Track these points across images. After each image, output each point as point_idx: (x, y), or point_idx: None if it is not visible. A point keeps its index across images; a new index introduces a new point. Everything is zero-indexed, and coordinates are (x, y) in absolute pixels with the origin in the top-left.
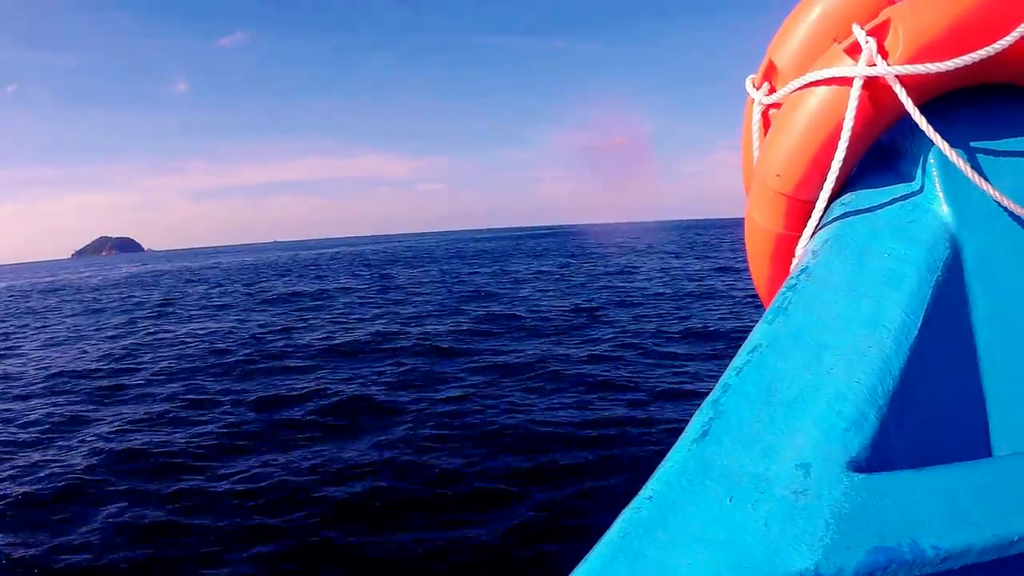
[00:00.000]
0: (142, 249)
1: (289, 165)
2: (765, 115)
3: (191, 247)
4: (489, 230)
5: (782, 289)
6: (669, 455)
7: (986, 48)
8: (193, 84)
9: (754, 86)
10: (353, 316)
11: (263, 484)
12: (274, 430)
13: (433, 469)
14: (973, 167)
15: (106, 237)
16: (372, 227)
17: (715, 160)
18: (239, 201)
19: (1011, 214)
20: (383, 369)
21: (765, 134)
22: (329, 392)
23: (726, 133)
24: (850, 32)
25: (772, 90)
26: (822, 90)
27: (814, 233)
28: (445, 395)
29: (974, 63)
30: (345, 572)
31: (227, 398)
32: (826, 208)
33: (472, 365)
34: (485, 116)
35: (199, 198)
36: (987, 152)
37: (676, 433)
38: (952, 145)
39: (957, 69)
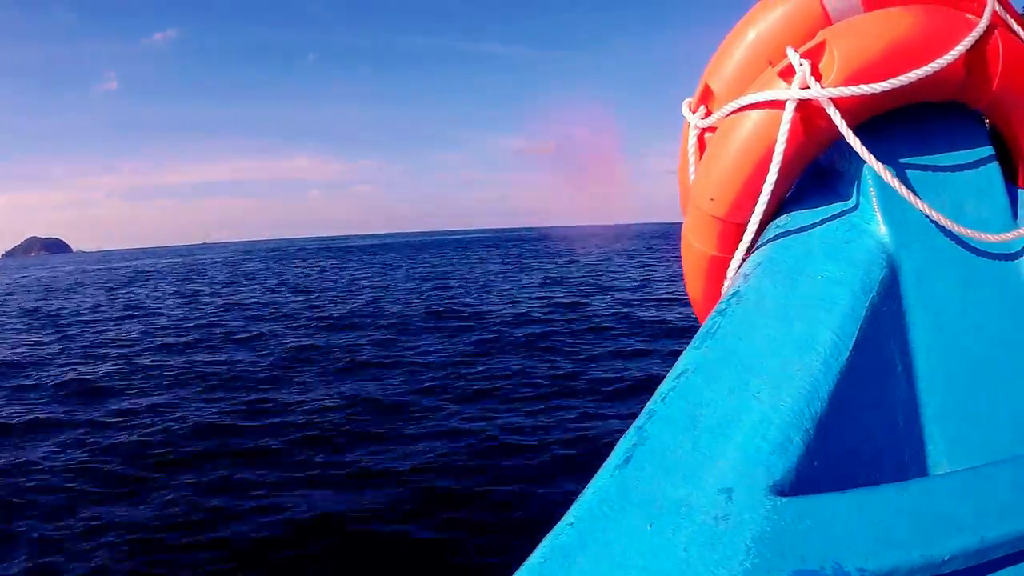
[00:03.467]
0: (70, 250)
1: (221, 166)
2: (701, 139)
3: (122, 248)
4: (420, 233)
5: (712, 314)
6: (592, 482)
7: (923, 68)
8: (124, 82)
9: (690, 109)
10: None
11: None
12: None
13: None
14: (909, 186)
15: (35, 238)
16: (303, 230)
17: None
18: (171, 201)
19: (949, 231)
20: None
21: (701, 157)
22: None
23: (657, 138)
24: (785, 55)
25: (708, 113)
26: (755, 114)
27: (747, 256)
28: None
29: (912, 83)
30: None
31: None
32: (761, 230)
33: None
34: (416, 118)
35: (131, 198)
36: (926, 169)
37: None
38: (888, 164)
39: (894, 89)
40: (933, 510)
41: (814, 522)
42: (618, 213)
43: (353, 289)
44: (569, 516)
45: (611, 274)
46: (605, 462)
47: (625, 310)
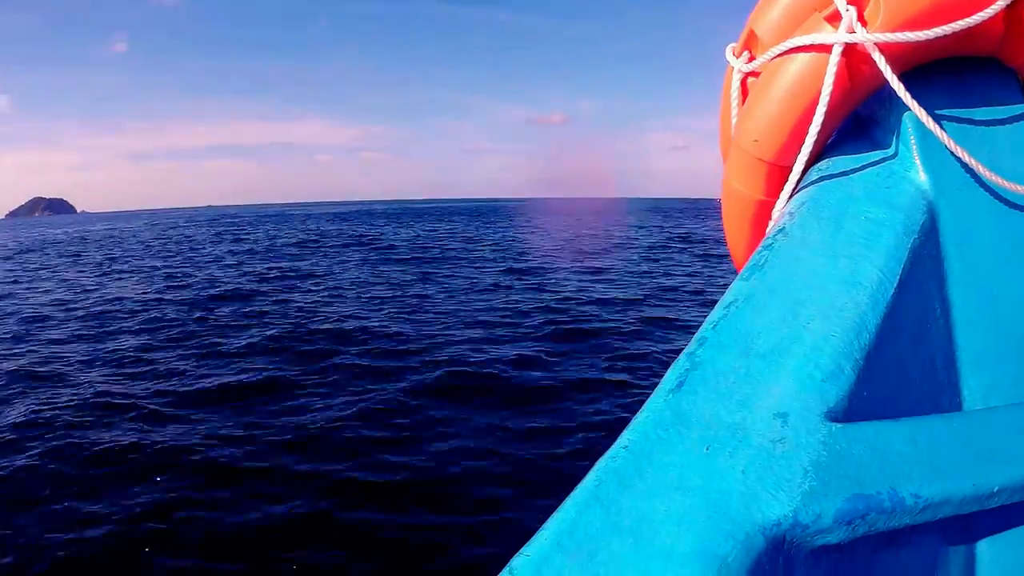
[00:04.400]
0: (75, 211)
1: (228, 129)
2: (744, 84)
3: (126, 210)
4: (425, 201)
5: (759, 248)
6: (645, 405)
7: (965, 20)
8: (132, 44)
9: (734, 54)
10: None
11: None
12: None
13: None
14: (950, 136)
15: (40, 198)
16: (309, 195)
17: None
18: (177, 164)
19: (987, 182)
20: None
21: (743, 102)
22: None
23: (665, 111)
24: (831, 2)
25: (752, 59)
26: (801, 57)
27: (791, 197)
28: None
29: (953, 34)
30: None
31: None
32: (803, 174)
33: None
34: (427, 85)
35: (138, 160)
36: (964, 123)
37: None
38: (930, 115)
39: (936, 39)
40: (982, 442)
41: (869, 448)
42: (622, 187)
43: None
44: (623, 439)
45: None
46: (657, 386)
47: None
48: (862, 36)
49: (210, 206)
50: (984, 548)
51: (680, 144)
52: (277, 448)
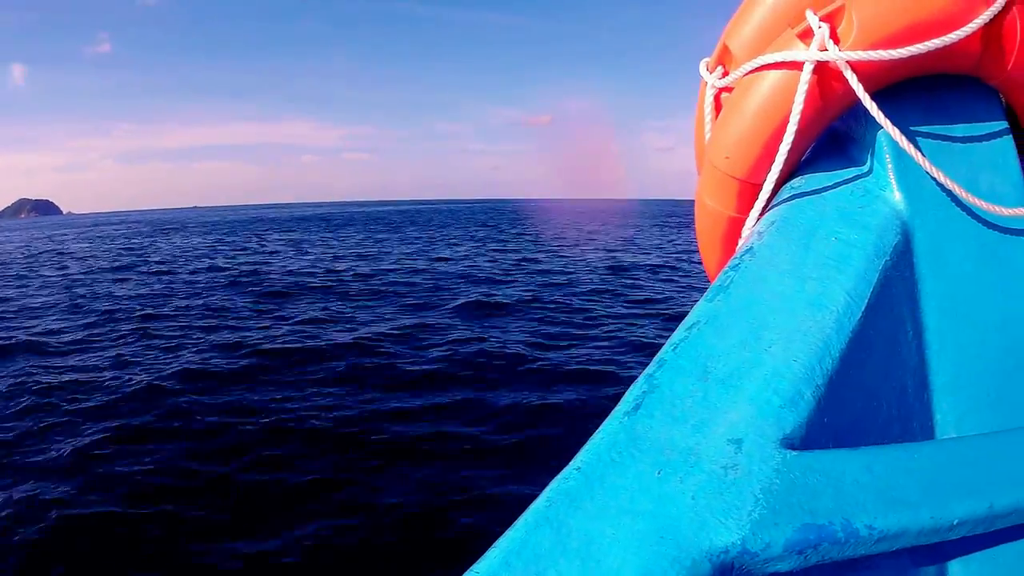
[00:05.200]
0: (61, 212)
1: (214, 129)
2: (717, 98)
3: (113, 211)
4: (413, 201)
5: (725, 268)
6: (601, 428)
7: (941, 38)
8: (117, 44)
9: (708, 69)
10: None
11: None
12: None
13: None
14: (926, 155)
15: (26, 199)
16: (295, 195)
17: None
18: (165, 164)
19: (963, 202)
20: None
21: (716, 117)
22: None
23: (651, 113)
24: (804, 18)
25: (725, 74)
26: (773, 74)
27: (761, 215)
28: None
29: (929, 52)
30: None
31: None
32: (776, 191)
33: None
34: (413, 86)
35: (124, 160)
36: (941, 140)
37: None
38: (904, 132)
39: (911, 57)
40: (944, 473)
41: (824, 477)
42: (609, 189)
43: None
44: (577, 461)
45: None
46: (614, 408)
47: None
48: (834, 54)
49: (195, 207)
50: None
51: (666, 145)
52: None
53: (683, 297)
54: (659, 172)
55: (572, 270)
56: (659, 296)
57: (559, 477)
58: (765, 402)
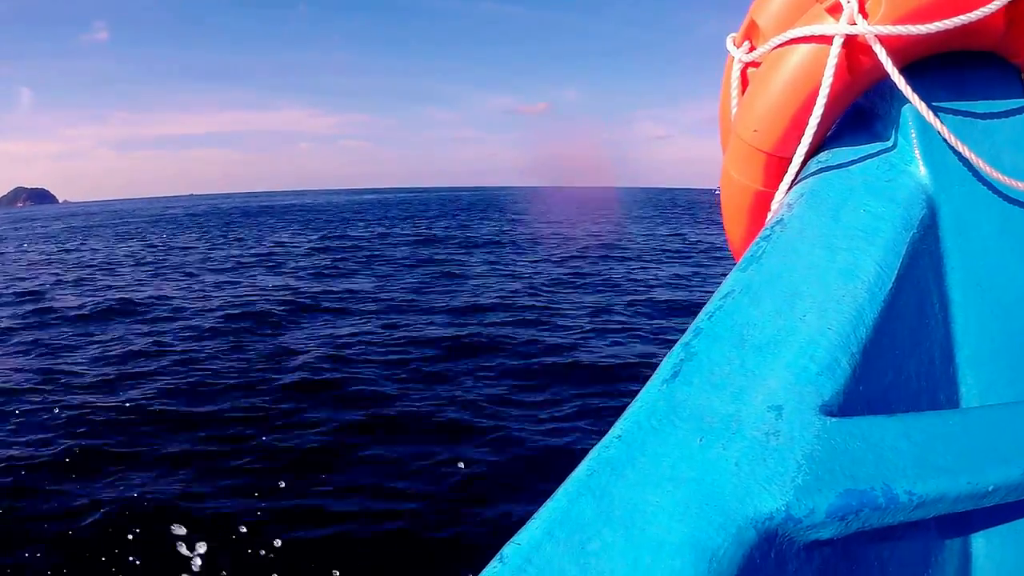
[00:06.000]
0: (56, 201)
1: (210, 117)
2: (744, 73)
3: (109, 199)
4: (409, 189)
5: (756, 239)
6: (639, 395)
7: (967, 14)
8: (114, 32)
9: (734, 44)
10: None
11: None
12: None
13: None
14: (951, 131)
15: (21, 188)
16: (291, 183)
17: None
18: (161, 152)
19: (988, 179)
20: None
21: (743, 92)
22: None
23: (647, 102)
24: None
25: (752, 48)
26: (802, 48)
27: (790, 188)
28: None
29: (955, 28)
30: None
31: None
32: (803, 165)
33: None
34: (408, 74)
35: (121, 148)
36: (964, 117)
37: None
38: (930, 108)
39: (938, 33)
40: (978, 440)
41: (864, 443)
42: (604, 177)
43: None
44: (616, 429)
45: None
46: (652, 376)
47: None
48: (863, 28)
49: (192, 194)
50: (979, 546)
51: (662, 134)
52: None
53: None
54: (656, 160)
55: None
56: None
57: (599, 445)
58: (802, 369)
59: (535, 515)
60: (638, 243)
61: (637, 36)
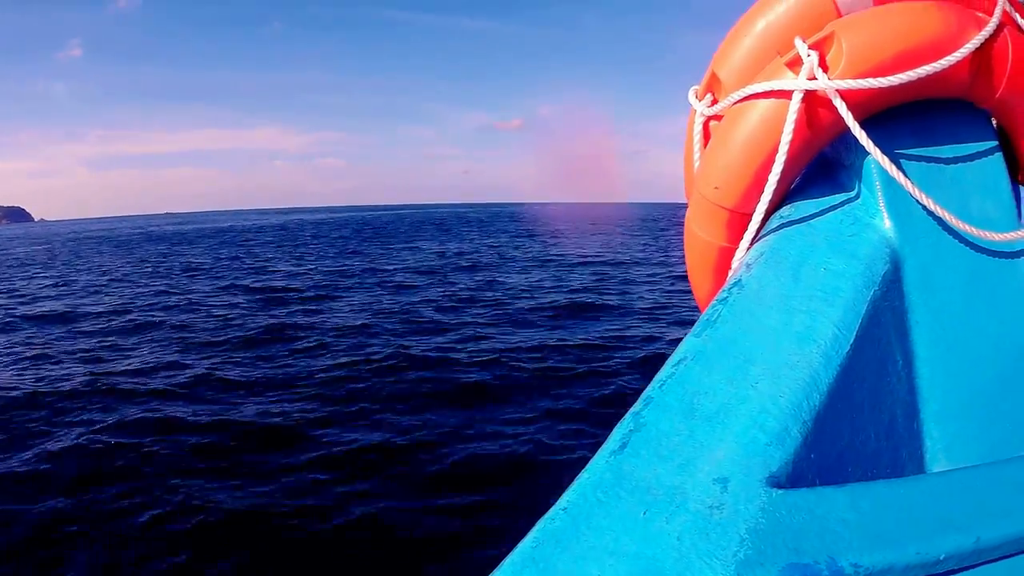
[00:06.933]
0: (32, 219)
1: (186, 135)
2: (706, 127)
3: (85, 217)
4: (386, 206)
5: (713, 302)
6: (587, 467)
7: (932, 64)
8: (88, 49)
9: (697, 97)
10: None
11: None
12: None
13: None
14: (916, 182)
15: None
16: (266, 201)
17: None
18: (137, 171)
19: (953, 228)
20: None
21: (705, 146)
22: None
23: (622, 117)
24: (793, 46)
25: (714, 102)
26: (762, 103)
27: (751, 246)
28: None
29: (919, 79)
30: None
31: None
32: (765, 221)
33: None
34: (381, 91)
35: (97, 167)
36: (932, 164)
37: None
38: (894, 159)
39: (901, 84)
40: (930, 508)
41: (810, 515)
42: (583, 193)
43: None
44: (563, 501)
45: None
46: (601, 447)
47: None
48: (823, 83)
49: (168, 213)
50: None
51: (638, 148)
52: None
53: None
54: (632, 174)
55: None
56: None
57: (545, 517)
58: (751, 440)
59: None
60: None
61: (611, 51)
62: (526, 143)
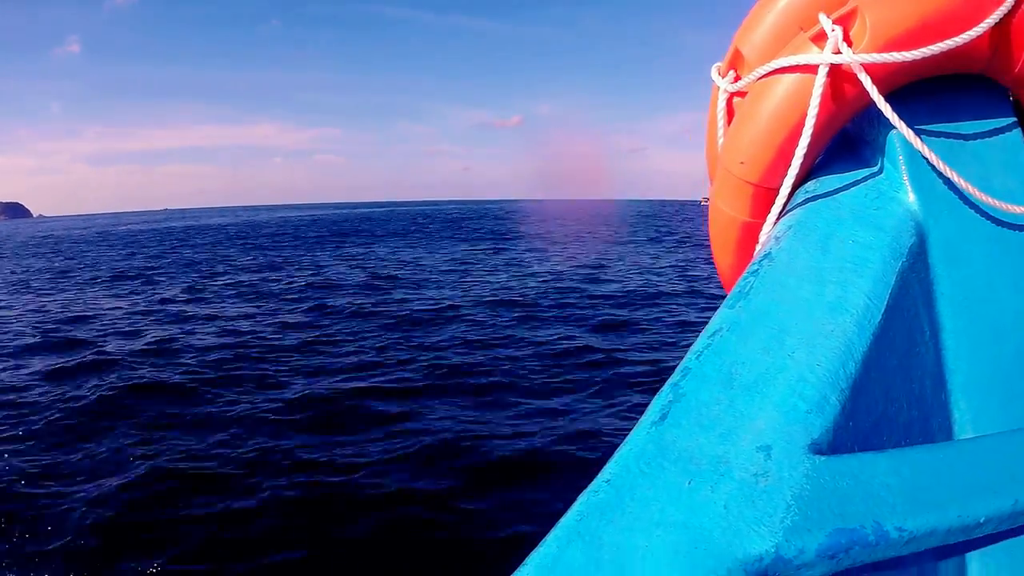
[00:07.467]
0: (31, 215)
1: (185, 131)
2: (730, 103)
3: (84, 213)
4: (384, 203)
5: (744, 274)
6: (628, 438)
7: (953, 39)
8: (86, 45)
9: (720, 74)
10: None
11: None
12: None
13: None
14: (939, 155)
15: None
16: (265, 197)
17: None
18: (136, 167)
19: (977, 202)
20: None
21: (730, 122)
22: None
23: (620, 115)
24: (817, 21)
25: (737, 78)
26: (787, 78)
27: (777, 220)
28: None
29: (941, 52)
30: None
31: None
32: (790, 196)
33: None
34: (380, 89)
35: (96, 163)
36: (953, 140)
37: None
38: (918, 134)
39: (924, 59)
40: (968, 473)
41: (853, 481)
42: (581, 190)
43: None
44: (605, 473)
45: None
46: (640, 418)
47: None
48: (848, 57)
49: (166, 209)
50: None
51: (636, 146)
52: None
53: None
54: (630, 172)
55: None
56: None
57: (588, 490)
58: (791, 407)
59: (525, 562)
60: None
61: (610, 50)
62: (526, 140)
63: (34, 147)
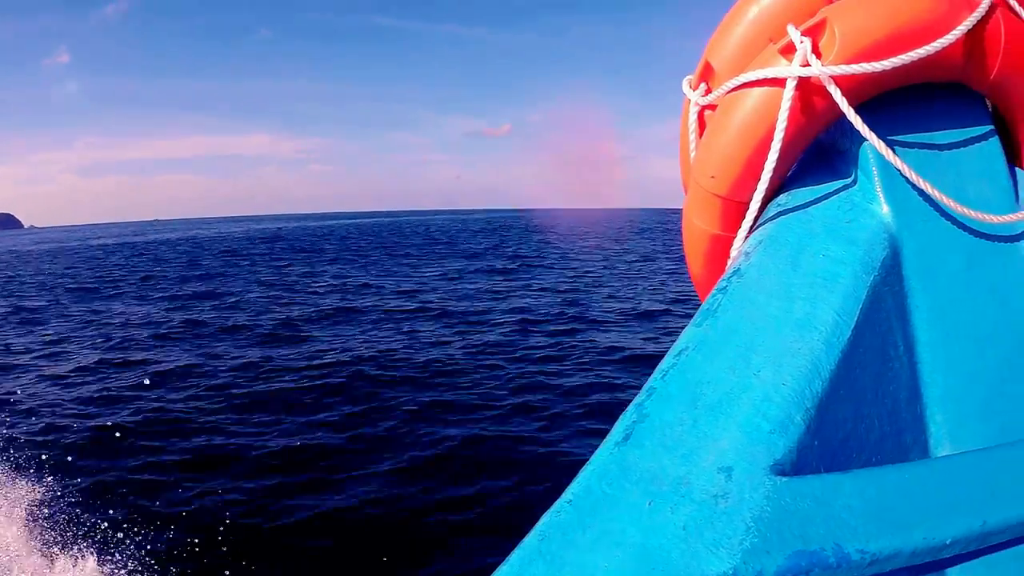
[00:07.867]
0: (22, 226)
1: (177, 142)
2: (701, 116)
3: (75, 224)
4: (375, 212)
5: (712, 291)
6: (591, 459)
7: (925, 47)
8: (75, 55)
9: (691, 87)
10: None
11: None
12: None
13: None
14: (912, 166)
15: None
16: (258, 207)
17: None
18: (127, 177)
19: (951, 212)
20: None
21: (701, 135)
22: None
23: (609, 123)
24: (786, 33)
25: (708, 91)
26: (756, 91)
27: (748, 234)
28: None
29: (913, 63)
30: None
31: None
32: (762, 209)
33: None
34: (370, 98)
35: (86, 174)
36: (928, 151)
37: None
38: (891, 144)
39: (895, 68)
40: (936, 492)
41: (815, 503)
42: (574, 199)
43: None
44: (568, 493)
45: None
46: (605, 439)
47: None
48: (817, 69)
49: (156, 220)
50: None
51: (625, 154)
52: None
53: None
54: (620, 180)
55: None
56: None
57: (551, 510)
58: (755, 428)
59: None
60: None
61: (600, 59)
62: (515, 148)
63: (22, 158)
